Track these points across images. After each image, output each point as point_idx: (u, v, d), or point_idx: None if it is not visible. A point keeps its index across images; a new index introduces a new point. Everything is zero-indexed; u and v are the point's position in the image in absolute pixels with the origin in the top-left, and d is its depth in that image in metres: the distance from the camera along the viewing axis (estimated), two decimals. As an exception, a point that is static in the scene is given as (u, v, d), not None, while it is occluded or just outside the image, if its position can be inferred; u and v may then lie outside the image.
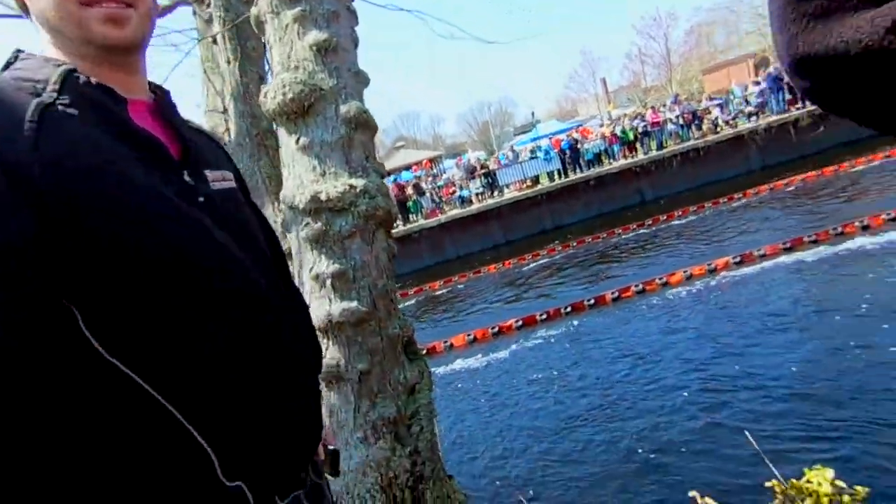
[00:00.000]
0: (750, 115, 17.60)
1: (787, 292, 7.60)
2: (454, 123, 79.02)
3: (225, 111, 2.28)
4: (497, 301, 12.01)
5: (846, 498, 1.91)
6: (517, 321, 9.62)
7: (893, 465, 3.81)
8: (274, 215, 2.25)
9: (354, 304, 1.71)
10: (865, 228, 9.09)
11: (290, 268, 1.13)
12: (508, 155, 19.60)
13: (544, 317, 9.57)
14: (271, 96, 1.77)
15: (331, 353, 1.75)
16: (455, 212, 18.07)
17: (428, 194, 18.82)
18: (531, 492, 4.72)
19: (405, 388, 1.92)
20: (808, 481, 1.96)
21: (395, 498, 1.68)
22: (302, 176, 1.82)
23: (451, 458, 5.72)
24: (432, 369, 7.46)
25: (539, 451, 5.46)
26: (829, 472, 1.94)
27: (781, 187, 14.00)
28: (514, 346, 8.83)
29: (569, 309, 9.56)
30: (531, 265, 14.27)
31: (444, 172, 21.79)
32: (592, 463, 4.92)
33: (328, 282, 1.74)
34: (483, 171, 18.65)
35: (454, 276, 15.29)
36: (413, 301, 14.50)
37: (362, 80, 1.95)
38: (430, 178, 20.14)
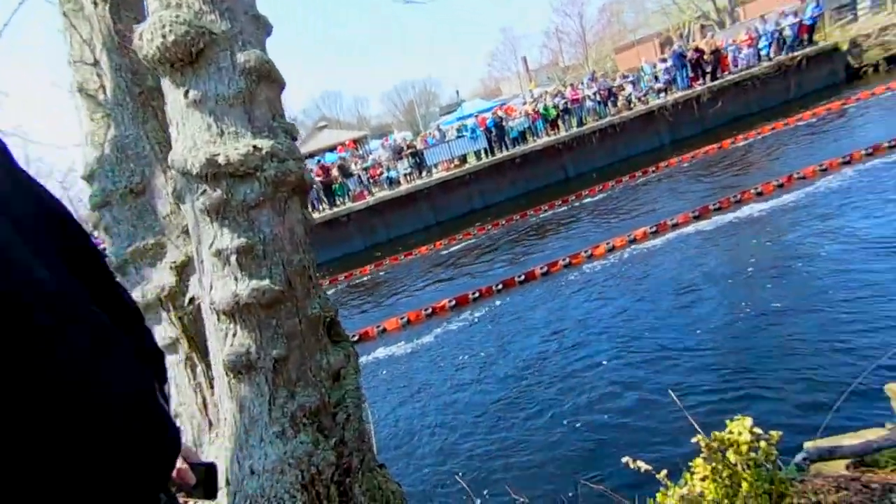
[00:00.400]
0: (659, 91, 18.73)
1: (694, 259, 8.20)
2: (379, 103, 77.16)
3: (96, 63, 1.92)
4: (429, 282, 11.96)
5: (763, 444, 2.02)
6: (450, 301, 9.63)
7: (792, 405, 4.25)
8: (166, 186, 1.95)
9: (266, 282, 1.49)
10: (759, 195, 10.06)
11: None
12: (435, 134, 19.40)
13: (476, 295, 9.67)
14: (148, 38, 1.47)
15: (239, 339, 1.53)
16: (383, 193, 17.68)
17: (355, 176, 18.21)
18: (468, 474, 4.74)
19: (329, 374, 1.75)
20: (730, 432, 2.05)
21: (319, 495, 1.52)
22: (195, 136, 1.55)
23: (384, 445, 5.61)
24: (366, 355, 7.31)
25: (473, 431, 5.48)
26: (748, 421, 2.04)
27: (688, 160, 15.08)
28: (447, 326, 8.84)
29: (500, 286, 9.73)
30: (462, 245, 14.35)
31: (371, 153, 21.18)
32: (527, 440, 5.00)
33: (233, 258, 1.51)
34: (410, 150, 18.35)
35: (385, 259, 15.04)
36: (344, 285, 14.10)
37: (263, 26, 1.69)
38: (356, 160, 19.47)
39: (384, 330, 9.48)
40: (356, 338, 9.37)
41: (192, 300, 1.86)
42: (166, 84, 1.59)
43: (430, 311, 9.54)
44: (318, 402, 1.66)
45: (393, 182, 18.20)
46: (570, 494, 2.56)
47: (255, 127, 1.59)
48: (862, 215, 7.61)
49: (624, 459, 2.34)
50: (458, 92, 38.63)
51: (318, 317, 1.70)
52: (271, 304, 1.52)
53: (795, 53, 17.87)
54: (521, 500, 2.99)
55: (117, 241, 1.92)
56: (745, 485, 1.99)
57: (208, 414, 1.87)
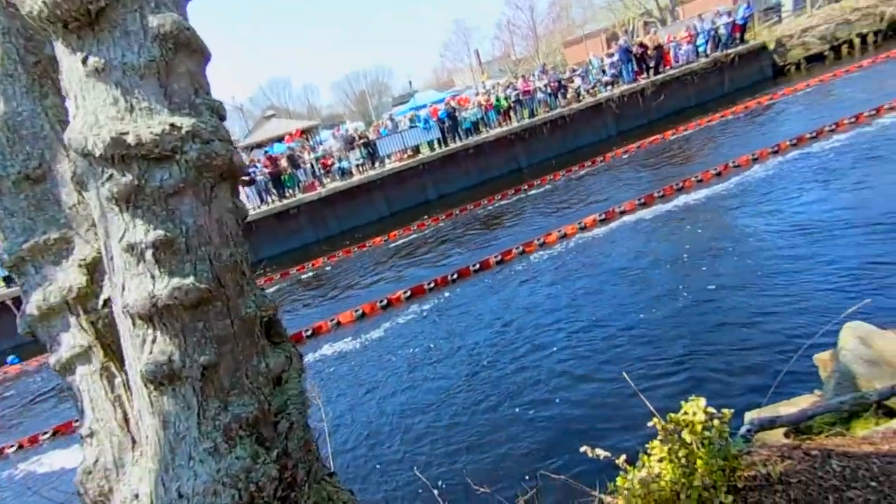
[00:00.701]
0: (606, 84, 19.30)
1: (640, 246, 8.48)
2: (330, 93, 74.95)
3: (-24, 25, 1.62)
4: (384, 273, 11.75)
5: (716, 422, 2.05)
6: (405, 292, 9.48)
7: (734, 380, 4.45)
8: (70, 169, 1.69)
9: (189, 280, 1.29)
10: (700, 182, 10.54)
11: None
12: (388, 124, 19.04)
13: (432, 286, 9.57)
14: (31, -9, 1.23)
15: (159, 346, 1.32)
16: (335, 184, 17.17)
17: (308, 166, 17.57)
18: (427, 469, 4.65)
19: (268, 379, 1.57)
20: (685, 413, 2.06)
21: (260, 515, 1.35)
22: (97, 112, 1.31)
23: (339, 447, 5.43)
24: (319, 350, 7.09)
25: (431, 426, 5.40)
26: (702, 402, 2.06)
27: (633, 150, 15.58)
28: (403, 318, 8.71)
29: (455, 276, 9.68)
30: (416, 235, 14.21)
31: (321, 143, 20.53)
32: (485, 432, 4.97)
33: (148, 254, 1.30)
34: (362, 141, 17.89)
35: (338, 251, 14.65)
36: (296, 279, 13.62)
37: (180, -15, 1.46)
38: (306, 150, 18.78)
39: (338, 323, 9.22)
40: (309, 332, 9.07)
41: (106, 302, 1.62)
42: (59, 48, 1.34)
43: (385, 302, 9.36)
44: (257, 411, 1.48)
45: (345, 173, 17.73)
46: (532, 485, 2.52)
47: (174, 103, 1.38)
48: (788, 201, 8.11)
49: (582, 449, 2.31)
50: (410, 82, 38.19)
51: (253, 317, 1.52)
52: (197, 305, 1.33)
53: (729, 51, 18.97)
54: (483, 489, 2.93)
55: (11, 236, 1.64)
56: (700, 463, 2.01)
57: (130, 430, 1.65)
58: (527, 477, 3.84)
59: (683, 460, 2.06)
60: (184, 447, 1.36)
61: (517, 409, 5.17)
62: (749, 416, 2.60)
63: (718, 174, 10.59)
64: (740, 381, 4.37)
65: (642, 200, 10.38)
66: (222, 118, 1.52)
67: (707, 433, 2.05)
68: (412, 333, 7.98)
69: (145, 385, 1.36)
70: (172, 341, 1.32)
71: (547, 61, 32.85)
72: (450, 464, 4.64)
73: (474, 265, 9.79)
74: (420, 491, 4.34)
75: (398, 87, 59.23)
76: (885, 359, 2.95)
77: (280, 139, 22.53)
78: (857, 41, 19.18)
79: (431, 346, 7.32)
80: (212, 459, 1.35)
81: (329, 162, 17.82)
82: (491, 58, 48.92)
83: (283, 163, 17.10)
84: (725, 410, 2.12)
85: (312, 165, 17.63)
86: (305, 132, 28.14)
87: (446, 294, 9.17)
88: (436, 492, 3.81)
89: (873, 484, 2.01)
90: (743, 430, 2.44)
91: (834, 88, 15.07)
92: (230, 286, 1.42)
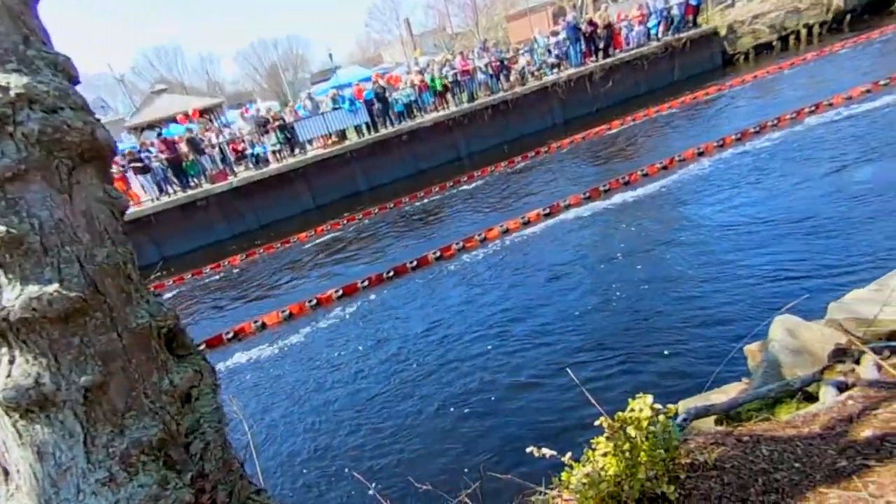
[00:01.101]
0: (553, 66, 19.66)
1: (581, 242, 8.93)
2: (234, 65, 70.79)
3: None
4: (311, 272, 11.53)
5: (662, 417, 2.23)
6: (336, 291, 9.38)
7: (667, 374, 4.83)
8: None
9: (53, 287, 1.19)
10: (646, 175, 11.19)
11: None
12: (307, 105, 18.33)
13: (365, 284, 9.51)
14: None
15: (21, 367, 1.21)
16: (249, 174, 16.49)
17: (215, 151, 16.69)
18: (368, 476, 4.65)
19: (175, 397, 1.51)
20: (632, 409, 2.23)
21: (174, 546, 1.30)
22: None
23: (268, 463, 5.33)
24: (242, 355, 6.90)
25: (369, 434, 5.42)
26: (649, 398, 2.24)
27: (579, 141, 16.21)
28: (334, 319, 8.64)
29: (391, 273, 9.67)
30: (347, 230, 14.03)
31: (228, 125, 19.55)
32: (425, 436, 5.07)
33: (-12, 256, 1.17)
34: (277, 123, 17.17)
35: (259, 248, 14.23)
36: (212, 279, 13.05)
37: None
38: (210, 132, 17.79)
39: (263, 325, 8.99)
40: (231, 335, 8.74)
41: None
42: None
43: (314, 302, 9.26)
44: (162, 433, 1.41)
45: (260, 160, 17.04)
46: (475, 483, 2.62)
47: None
48: (729, 199, 8.80)
49: (529, 449, 2.42)
50: (331, 56, 36.69)
51: (147, 328, 1.44)
52: (68, 317, 1.24)
53: (681, 35, 20.07)
54: (425, 486, 2.99)
55: None
56: (643, 456, 2.17)
57: (2, 462, 1.51)
58: (468, 480, 3.96)
59: (628, 454, 2.21)
60: (70, 479, 1.27)
61: (459, 412, 5.31)
62: (684, 405, 2.86)
63: (664, 167, 11.27)
64: (678, 380, 4.77)
65: (587, 194, 10.85)
66: (73, 81, 1.35)
67: (652, 428, 2.22)
68: (345, 335, 7.93)
69: (6, 413, 1.26)
70: (38, 361, 1.22)
71: (488, 37, 33.06)
72: (392, 467, 4.72)
73: (411, 262, 9.82)
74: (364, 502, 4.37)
75: (317, 61, 57.32)
76: (808, 349, 3.32)
77: (174, 119, 21.18)
78: (803, 32, 20.82)
79: (366, 347, 7.30)
80: (107, 491, 1.28)
81: (240, 147, 17.06)
82: (424, 30, 48.61)
83: (183, 147, 16.19)
84: (671, 406, 2.31)
85: (222, 150, 16.79)
86: (207, 111, 26.88)
87: (382, 292, 9.14)
88: (376, 493, 3.86)
89: (797, 465, 2.27)
90: (679, 419, 2.67)
91: (778, 82, 16.45)
92: (112, 293, 1.33)
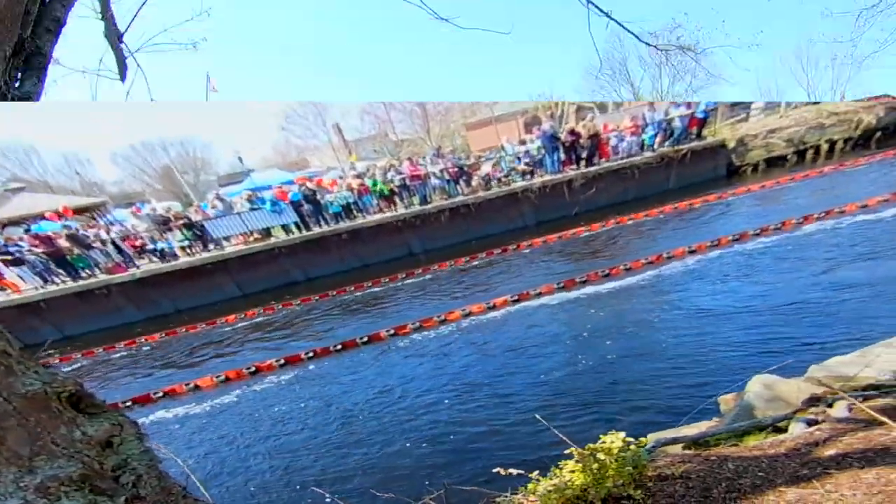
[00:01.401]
0: (524, 173, 20.08)
1: (550, 321, 9.77)
2: (112, 166, 73.52)
3: None
4: (244, 347, 12.32)
5: (633, 447, 2.64)
6: (278, 361, 10.32)
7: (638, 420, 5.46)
8: None
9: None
10: (628, 270, 12.08)
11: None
12: (216, 205, 19.13)
13: (311, 355, 10.38)
14: None
15: None
16: (154, 266, 16.97)
17: (108, 247, 17.19)
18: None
19: (92, 444, 1.87)
20: (603, 442, 2.63)
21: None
22: None
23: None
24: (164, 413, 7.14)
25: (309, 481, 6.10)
26: (622, 434, 2.66)
27: (553, 240, 17.04)
28: (269, 384, 9.44)
29: (339, 346, 10.53)
30: (281, 314, 14.91)
31: (119, 223, 20.50)
32: (378, 486, 5.48)
33: None
34: (181, 222, 18.03)
35: (179, 327, 15.18)
36: (127, 351, 14.14)
37: None
38: (99, 229, 18.58)
39: (196, 387, 9.85)
40: (161, 395, 9.80)
41: None
42: None
43: (253, 369, 10.14)
44: (84, 470, 1.75)
45: (166, 254, 17.44)
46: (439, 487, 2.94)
47: None
48: (715, 288, 9.74)
49: (495, 469, 2.73)
50: (241, 159, 38.99)
51: (42, 393, 1.80)
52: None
53: (681, 146, 20.42)
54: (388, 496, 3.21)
55: None
56: (611, 470, 2.53)
57: None
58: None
59: (596, 471, 2.57)
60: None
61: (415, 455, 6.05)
62: (652, 436, 3.19)
63: (650, 262, 12.18)
64: (647, 428, 5.33)
65: (561, 284, 11.68)
66: None
67: (623, 454, 2.62)
68: (286, 397, 8.70)
69: None
70: None
71: (442, 144, 34.38)
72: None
73: (362, 338, 10.64)
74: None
75: (223, 163, 60.91)
76: (784, 398, 3.82)
77: (42, 216, 21.86)
78: (824, 147, 21.38)
79: (312, 407, 8.09)
80: (31, 512, 1.56)
81: (137, 243, 17.78)
82: (360, 135, 50.42)
83: (63, 242, 16.89)
84: (643, 438, 2.74)
85: (117, 245, 17.28)
86: (86, 210, 29.57)
87: (325, 363, 9.96)
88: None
89: (761, 474, 2.70)
90: (647, 447, 3.02)
91: (788, 192, 17.15)
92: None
